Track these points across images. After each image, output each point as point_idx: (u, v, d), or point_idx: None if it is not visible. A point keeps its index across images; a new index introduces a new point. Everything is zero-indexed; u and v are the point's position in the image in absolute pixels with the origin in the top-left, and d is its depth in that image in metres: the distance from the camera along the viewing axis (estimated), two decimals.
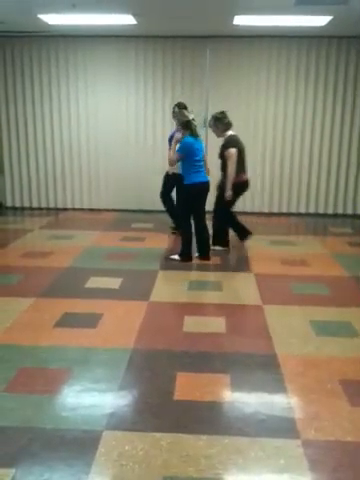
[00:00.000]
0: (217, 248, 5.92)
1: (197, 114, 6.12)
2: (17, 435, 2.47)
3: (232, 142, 5.77)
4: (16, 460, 2.29)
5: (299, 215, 8.37)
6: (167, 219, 6.87)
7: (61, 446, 2.40)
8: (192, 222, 5.57)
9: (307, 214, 8.40)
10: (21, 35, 7.89)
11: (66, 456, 2.32)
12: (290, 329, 3.79)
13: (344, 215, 8.37)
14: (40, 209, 8.67)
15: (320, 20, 6.58)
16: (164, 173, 6.60)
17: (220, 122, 5.80)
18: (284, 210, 8.45)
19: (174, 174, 6.14)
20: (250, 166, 8.25)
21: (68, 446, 2.40)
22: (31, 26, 7.23)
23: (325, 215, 8.38)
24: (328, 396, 2.86)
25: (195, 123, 5.49)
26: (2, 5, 5.97)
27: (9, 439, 2.44)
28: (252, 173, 8.31)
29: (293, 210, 8.44)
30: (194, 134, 5.43)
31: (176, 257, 5.54)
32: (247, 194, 8.29)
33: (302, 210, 8.43)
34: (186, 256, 5.51)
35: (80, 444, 2.41)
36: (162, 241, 6.36)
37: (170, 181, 6.46)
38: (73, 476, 2.20)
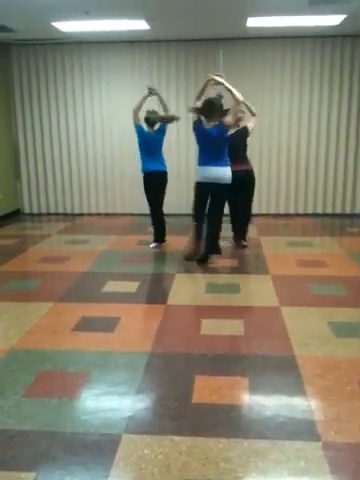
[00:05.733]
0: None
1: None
2: (37, 439, 2.49)
3: None
4: (36, 464, 2.30)
5: (316, 216, 8.31)
6: (184, 222, 6.82)
7: (81, 450, 2.41)
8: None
9: (324, 214, 8.34)
10: (35, 43, 7.98)
11: (86, 460, 2.33)
12: (308, 331, 3.76)
13: None
14: (57, 215, 8.74)
15: (333, 19, 6.54)
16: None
17: None
18: (300, 211, 8.39)
19: None
20: (265, 167, 8.28)
21: (87, 450, 2.41)
22: (45, 34, 7.31)
23: (342, 215, 8.30)
24: (348, 398, 2.82)
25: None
26: (16, 13, 6.05)
27: (29, 443, 2.46)
28: (268, 174, 8.32)
29: (310, 211, 8.38)
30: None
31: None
32: (263, 195, 8.35)
33: (319, 210, 8.37)
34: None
35: (99, 448, 2.42)
36: (179, 244, 6.36)
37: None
38: None
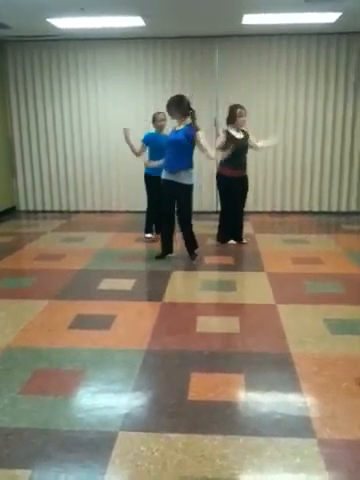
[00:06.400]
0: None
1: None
2: (33, 437, 2.48)
3: None
4: (32, 461, 2.30)
5: (312, 213, 8.32)
6: None
7: (76, 447, 2.40)
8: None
9: (320, 212, 8.35)
10: (31, 39, 7.95)
11: (82, 457, 2.33)
12: (304, 328, 3.77)
13: (357, 213, 8.29)
14: (52, 212, 8.72)
15: (329, 17, 6.54)
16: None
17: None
18: (296, 208, 8.40)
19: None
20: (261, 164, 8.28)
21: (83, 447, 2.40)
22: (41, 30, 7.28)
23: (338, 213, 8.32)
24: (344, 395, 2.83)
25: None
26: (12, 10, 6.02)
27: (25, 441, 2.46)
28: (264, 171, 8.32)
29: (306, 208, 8.39)
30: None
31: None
32: (259, 192, 8.35)
33: (315, 208, 8.38)
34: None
35: (95, 445, 2.42)
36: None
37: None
38: (89, 477, 2.20)
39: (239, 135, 5.97)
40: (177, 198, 5.43)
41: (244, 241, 6.29)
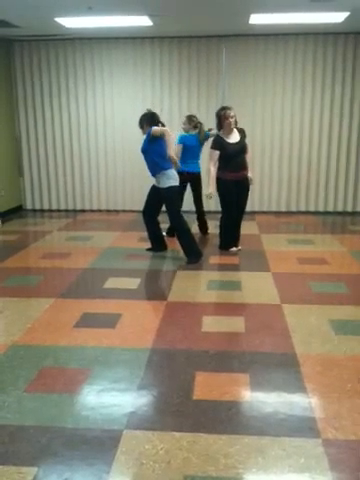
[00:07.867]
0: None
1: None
2: (38, 434, 2.50)
3: None
4: (38, 459, 2.32)
5: (317, 213, 8.31)
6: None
7: (82, 445, 2.42)
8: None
9: (325, 212, 8.34)
10: (38, 39, 7.98)
11: (87, 455, 2.34)
12: (309, 328, 3.77)
13: None
14: (59, 211, 8.75)
15: (337, 16, 6.52)
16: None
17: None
18: (302, 208, 8.39)
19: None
20: (267, 165, 8.28)
21: (89, 445, 2.42)
22: (48, 29, 7.30)
23: (343, 213, 8.30)
24: (348, 395, 2.83)
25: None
26: (19, 9, 6.04)
27: (31, 438, 2.47)
28: (269, 171, 8.32)
29: (311, 208, 8.38)
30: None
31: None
32: (265, 192, 8.35)
33: (320, 208, 8.37)
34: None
35: (100, 443, 2.43)
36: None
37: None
38: (94, 475, 2.22)
39: (232, 139, 5.62)
40: (162, 202, 5.65)
41: (239, 247, 6.00)
